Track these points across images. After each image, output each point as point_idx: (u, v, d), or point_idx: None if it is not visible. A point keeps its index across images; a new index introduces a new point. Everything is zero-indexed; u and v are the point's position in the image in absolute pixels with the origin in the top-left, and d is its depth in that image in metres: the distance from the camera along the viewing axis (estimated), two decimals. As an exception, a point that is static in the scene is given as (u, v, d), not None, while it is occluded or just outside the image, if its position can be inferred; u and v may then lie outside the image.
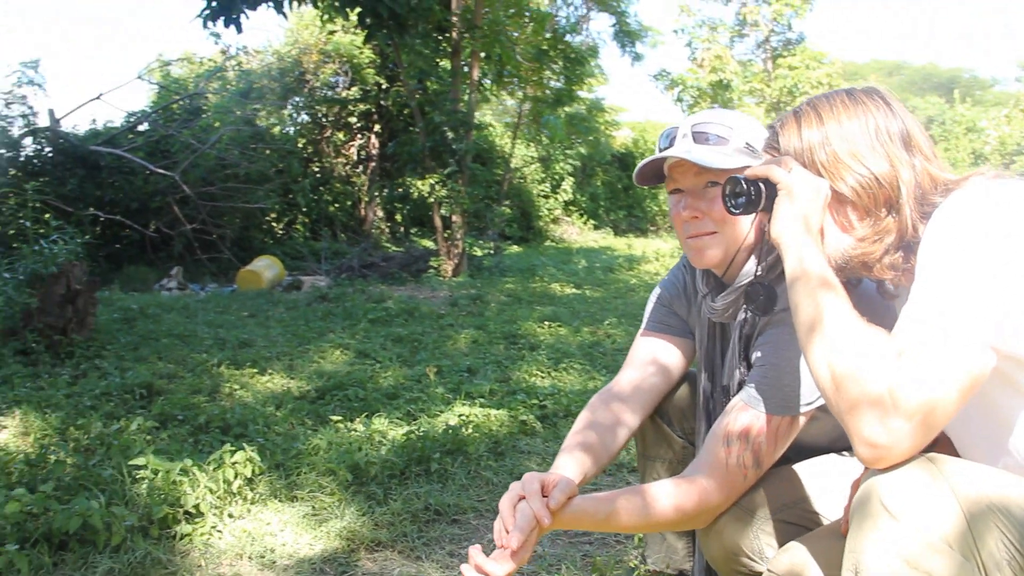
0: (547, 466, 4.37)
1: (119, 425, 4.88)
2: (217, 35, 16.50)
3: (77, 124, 19.78)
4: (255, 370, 6.76)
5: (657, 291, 2.54)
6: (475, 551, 1.78)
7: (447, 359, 7.16)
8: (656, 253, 19.60)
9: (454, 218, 15.69)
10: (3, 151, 15.21)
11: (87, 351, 7.11)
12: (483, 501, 3.92)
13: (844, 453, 2.14)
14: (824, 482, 2.05)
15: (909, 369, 1.37)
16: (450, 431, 4.62)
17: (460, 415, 5.01)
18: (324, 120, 21.80)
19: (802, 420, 1.96)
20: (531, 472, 1.89)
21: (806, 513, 2.02)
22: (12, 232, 8.91)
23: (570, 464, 2.13)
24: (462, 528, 3.67)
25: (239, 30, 10.45)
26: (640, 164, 2.18)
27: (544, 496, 1.83)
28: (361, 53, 20.24)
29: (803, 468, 2.10)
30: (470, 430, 4.74)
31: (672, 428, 2.51)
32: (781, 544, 1.89)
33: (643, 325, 2.52)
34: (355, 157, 22.32)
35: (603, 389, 2.43)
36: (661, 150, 2.14)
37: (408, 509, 3.75)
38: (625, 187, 31.81)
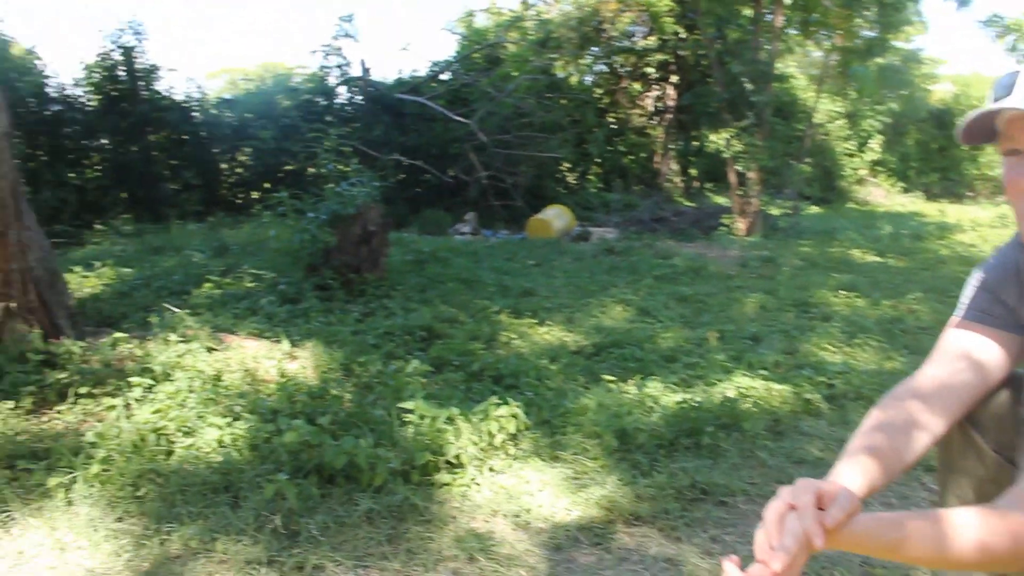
0: (831, 453, 3.97)
1: (397, 366, 4.97)
2: (517, -16, 16.71)
3: (385, 74, 20.86)
4: (534, 320, 6.72)
5: (980, 274, 2.06)
6: (730, 567, 1.48)
7: (731, 324, 6.77)
8: (973, 222, 17.76)
9: (750, 174, 15.03)
10: (323, 99, 16.31)
11: (377, 290, 7.38)
12: (755, 484, 3.59)
13: None
14: None
15: None
16: (727, 403, 4.30)
17: (739, 387, 4.66)
18: (621, 70, 21.61)
19: None
20: (805, 479, 1.56)
21: None
22: (324, 172, 9.45)
23: (854, 473, 1.76)
24: (729, 512, 3.37)
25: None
26: (968, 118, 1.74)
27: (819, 509, 1.50)
28: (659, 1, 19.78)
29: None
30: (749, 404, 4.39)
31: (985, 439, 2.05)
32: None
33: (958, 312, 2.06)
34: (651, 108, 21.99)
35: (900, 384, 2.02)
36: (996, 100, 1.70)
37: (673, 484, 3.50)
38: (940, 147, 29.24)
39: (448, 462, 3.65)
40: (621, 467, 3.70)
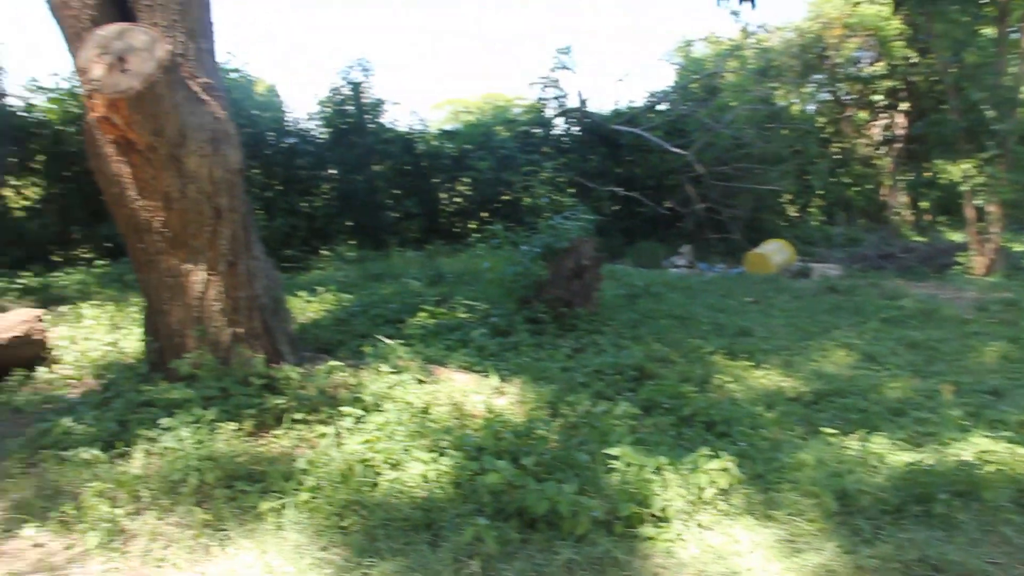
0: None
1: (605, 407, 4.86)
2: (736, 12, 16.34)
3: (602, 105, 20.95)
4: (750, 363, 6.44)
5: None
6: None
7: (968, 375, 6.23)
8: None
9: (990, 208, 13.96)
10: (540, 130, 16.59)
11: (589, 325, 7.29)
12: (998, 565, 3.23)
13: None
14: None
15: None
16: (963, 468, 3.92)
17: (978, 449, 4.22)
18: (846, 98, 20.74)
19: None
20: None
21: None
22: (539, 204, 9.52)
23: None
24: (966, 594, 3.04)
25: (753, 5, 10.25)
26: None
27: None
28: (888, 24, 18.80)
29: None
30: (990, 470, 3.97)
31: None
32: None
33: None
34: (878, 137, 20.97)
35: None
36: None
37: (900, 557, 3.21)
38: None
39: (653, 515, 3.51)
40: (841, 532, 3.44)
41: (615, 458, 3.85)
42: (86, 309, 8.11)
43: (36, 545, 3.48)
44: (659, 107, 17.73)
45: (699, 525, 3.51)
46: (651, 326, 7.66)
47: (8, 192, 13.60)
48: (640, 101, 18.05)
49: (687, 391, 5.40)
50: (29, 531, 3.56)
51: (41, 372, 5.91)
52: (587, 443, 4.25)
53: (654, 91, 18.01)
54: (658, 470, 3.74)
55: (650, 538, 3.39)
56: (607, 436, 4.33)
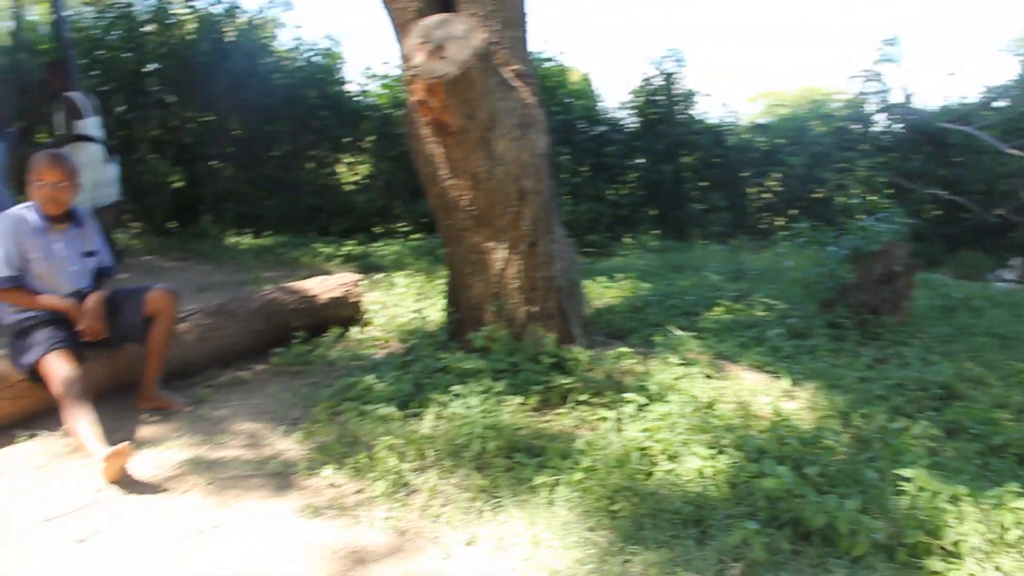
0: None
1: (902, 424, 4.53)
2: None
3: (929, 101, 19.50)
4: (1080, 393, 5.74)
5: None
6: None
7: None
8: None
9: None
10: (859, 126, 15.72)
11: (894, 336, 6.80)
12: None
13: None
14: None
15: None
16: None
17: None
18: None
19: None
20: None
21: None
22: (851, 203, 9.03)
23: None
24: None
25: None
26: None
27: None
28: None
29: None
30: None
31: None
32: None
33: None
34: None
35: None
36: None
37: None
38: None
39: (943, 547, 3.21)
40: None
41: (907, 480, 3.56)
42: (398, 278, 8.71)
43: (332, 485, 3.84)
44: (997, 103, 16.18)
45: (997, 568, 3.16)
46: (966, 342, 7.01)
47: (342, 169, 14.90)
48: (974, 97, 16.58)
49: (1001, 418, 4.90)
50: (327, 471, 3.94)
51: (353, 332, 6.42)
52: (877, 460, 3.98)
53: (991, 86, 16.46)
54: (954, 499, 3.41)
55: (936, 572, 3.11)
56: (901, 455, 4.03)
